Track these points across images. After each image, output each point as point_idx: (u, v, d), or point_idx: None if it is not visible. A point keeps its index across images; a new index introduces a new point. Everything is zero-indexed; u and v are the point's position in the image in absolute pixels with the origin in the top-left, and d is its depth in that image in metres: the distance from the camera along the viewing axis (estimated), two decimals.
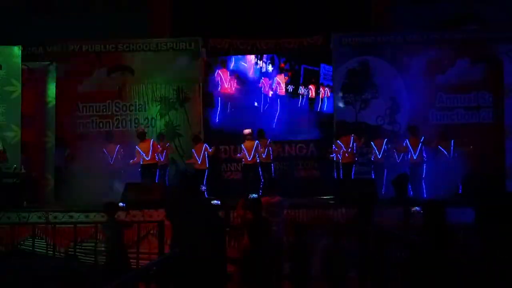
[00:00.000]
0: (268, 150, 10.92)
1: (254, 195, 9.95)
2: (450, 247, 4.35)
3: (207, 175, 10.97)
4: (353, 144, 10.70)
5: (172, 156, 11.78)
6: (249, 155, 10.69)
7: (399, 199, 9.07)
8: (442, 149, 10.64)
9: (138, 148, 10.72)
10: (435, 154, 10.72)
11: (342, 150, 10.74)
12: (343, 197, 9.27)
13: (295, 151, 12.50)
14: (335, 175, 11.20)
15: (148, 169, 10.66)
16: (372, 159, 11.08)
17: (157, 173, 10.86)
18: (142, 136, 10.88)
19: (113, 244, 6.98)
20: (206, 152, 10.93)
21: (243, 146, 10.87)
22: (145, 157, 10.61)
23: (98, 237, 8.07)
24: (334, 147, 11.06)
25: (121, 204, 9.08)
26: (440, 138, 10.80)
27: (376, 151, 10.97)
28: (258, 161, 10.78)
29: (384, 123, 12.09)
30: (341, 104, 12.31)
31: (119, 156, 11.07)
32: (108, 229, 7.14)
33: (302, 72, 13.71)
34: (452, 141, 10.68)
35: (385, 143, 11.01)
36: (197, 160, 10.91)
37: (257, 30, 12.70)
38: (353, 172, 10.80)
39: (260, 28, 12.69)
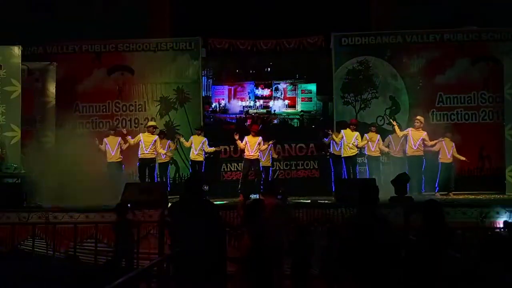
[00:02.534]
0: (269, 154, 10.93)
1: (255, 195, 9.95)
2: (450, 247, 4.36)
3: (204, 167, 11.05)
4: (355, 141, 10.68)
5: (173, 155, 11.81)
6: (251, 150, 10.69)
7: (399, 199, 9.05)
8: (444, 146, 10.71)
9: (141, 136, 10.62)
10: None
11: (344, 142, 10.67)
12: (343, 197, 9.24)
13: (295, 151, 12.49)
14: (332, 171, 11.16)
15: (146, 163, 10.59)
16: (365, 152, 11.06)
17: (155, 169, 10.84)
18: (151, 130, 10.80)
19: (125, 244, 7.05)
20: (203, 146, 10.96)
21: (246, 139, 10.84)
22: (144, 149, 10.52)
23: (98, 237, 8.09)
24: (330, 132, 11.09)
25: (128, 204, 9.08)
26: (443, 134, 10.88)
27: (370, 144, 10.95)
28: (260, 156, 10.79)
29: (384, 123, 12.09)
30: (341, 104, 12.32)
31: (119, 149, 10.97)
32: (120, 230, 7.18)
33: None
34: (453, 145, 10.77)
35: (379, 138, 11.03)
36: (193, 150, 10.92)
37: (257, 30, 12.70)
38: (357, 166, 10.78)
39: (260, 28, 12.70)
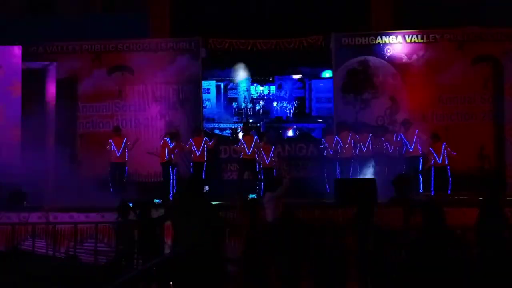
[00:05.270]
0: (271, 157, 10.92)
1: (253, 196, 9.96)
2: (450, 247, 4.35)
3: (205, 168, 10.97)
4: (350, 140, 10.80)
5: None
6: (248, 150, 10.68)
7: (399, 199, 9.06)
8: (433, 152, 10.58)
9: (168, 140, 10.68)
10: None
11: (339, 145, 10.84)
12: (343, 197, 9.24)
13: (295, 151, 12.48)
14: (325, 173, 11.21)
15: (166, 166, 10.69)
16: (358, 153, 11.08)
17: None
18: (177, 137, 10.89)
19: (126, 244, 7.07)
20: (205, 145, 10.92)
21: (242, 140, 10.85)
22: (170, 155, 10.66)
23: (98, 237, 8.09)
24: (324, 140, 11.40)
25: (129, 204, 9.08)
26: (432, 140, 10.73)
27: (361, 144, 11.02)
28: (256, 157, 10.77)
29: (384, 123, 12.09)
30: (341, 104, 12.32)
31: (126, 148, 10.91)
32: (121, 230, 7.19)
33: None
34: (444, 145, 10.57)
35: (370, 138, 11.08)
36: (195, 151, 10.89)
37: (257, 30, 12.69)
38: (351, 167, 10.84)
39: (260, 28, 12.68)
